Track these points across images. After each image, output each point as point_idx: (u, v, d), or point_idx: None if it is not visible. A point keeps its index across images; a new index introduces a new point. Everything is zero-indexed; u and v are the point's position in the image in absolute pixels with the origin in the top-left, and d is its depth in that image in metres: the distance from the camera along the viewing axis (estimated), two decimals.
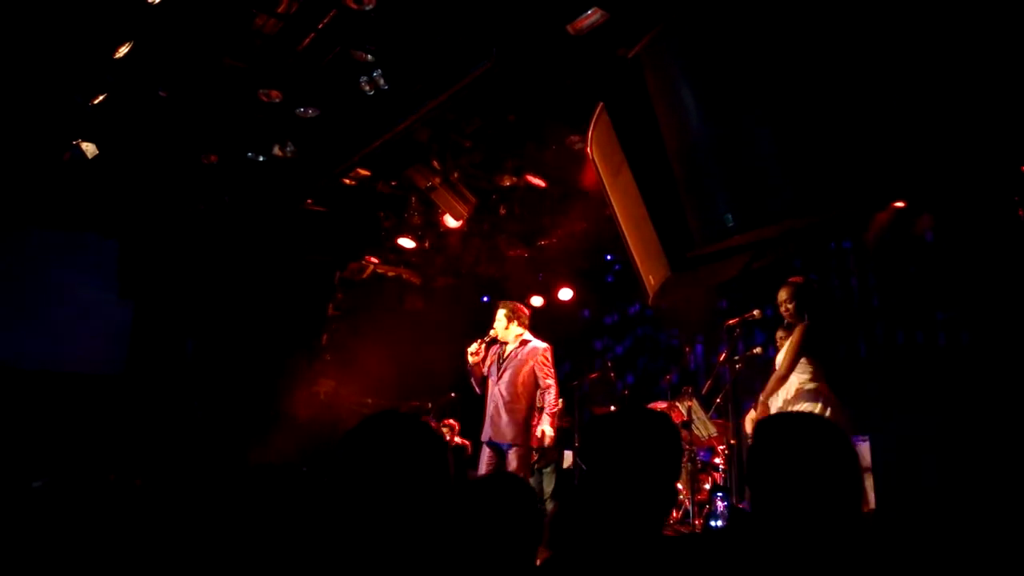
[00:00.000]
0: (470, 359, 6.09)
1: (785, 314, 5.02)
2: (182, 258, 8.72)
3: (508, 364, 6.03)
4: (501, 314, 6.15)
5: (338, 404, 9.25)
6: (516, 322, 6.12)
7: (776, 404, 4.88)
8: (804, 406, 4.74)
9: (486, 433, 6.04)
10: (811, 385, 4.81)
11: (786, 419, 2.04)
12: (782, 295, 5.04)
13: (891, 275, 6.75)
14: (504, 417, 5.92)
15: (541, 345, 6.10)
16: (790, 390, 4.85)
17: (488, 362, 6.16)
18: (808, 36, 3.87)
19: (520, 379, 5.97)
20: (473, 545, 1.94)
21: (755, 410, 5.15)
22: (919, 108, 3.96)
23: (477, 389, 6.25)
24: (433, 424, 8.11)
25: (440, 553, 1.56)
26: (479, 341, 6.09)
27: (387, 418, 1.59)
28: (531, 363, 6.00)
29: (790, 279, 5.09)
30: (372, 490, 1.51)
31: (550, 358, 6.08)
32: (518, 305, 6.27)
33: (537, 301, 9.89)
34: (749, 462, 1.85)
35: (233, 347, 8.96)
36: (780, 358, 5.00)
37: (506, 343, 6.11)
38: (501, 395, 5.97)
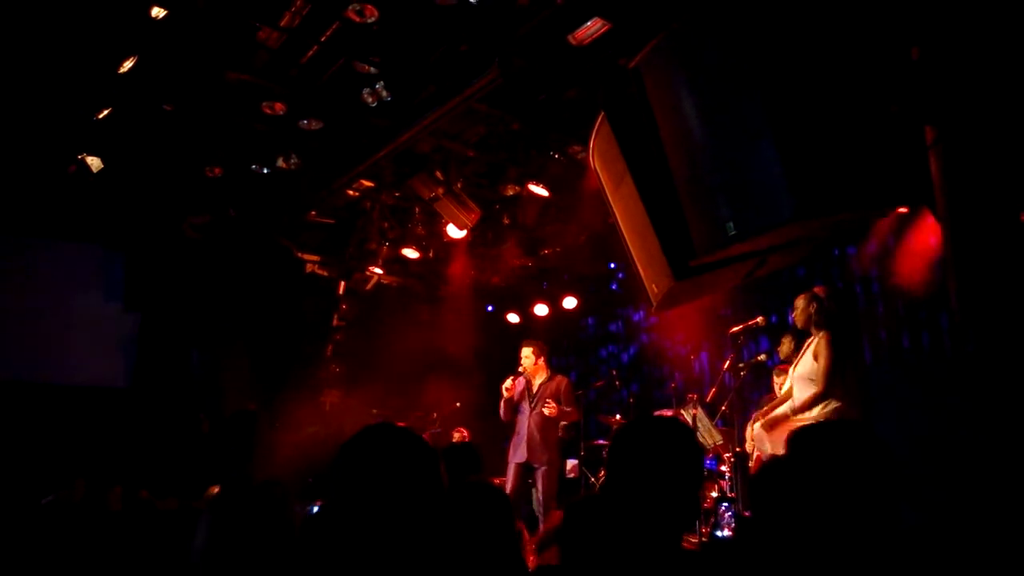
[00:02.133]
0: (505, 393, 6.86)
1: (797, 321, 4.98)
2: (188, 270, 8.75)
3: (540, 396, 6.80)
4: (528, 351, 6.94)
5: (344, 414, 9.26)
6: (542, 358, 6.97)
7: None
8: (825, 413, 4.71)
9: (520, 455, 6.72)
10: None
11: (819, 430, 2.01)
12: (798, 302, 5.01)
13: (895, 280, 6.74)
14: (540, 442, 6.68)
15: (564, 379, 6.99)
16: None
17: (519, 394, 6.91)
18: (809, 44, 3.88)
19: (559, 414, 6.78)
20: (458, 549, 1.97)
21: (759, 425, 5.12)
22: (919, 114, 3.97)
23: (505, 416, 6.98)
24: (427, 435, 8.15)
25: (434, 560, 1.57)
26: (513, 378, 6.92)
27: (380, 431, 1.61)
28: (558, 394, 6.80)
29: (814, 288, 5.07)
30: (366, 501, 1.53)
31: (572, 389, 7.02)
32: (542, 344, 7.10)
33: (542, 310, 9.89)
34: (766, 473, 1.82)
35: (238, 358, 8.98)
36: (800, 370, 4.94)
37: (533, 377, 6.92)
38: (537, 423, 6.73)
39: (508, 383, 6.87)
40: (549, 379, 6.89)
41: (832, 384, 4.72)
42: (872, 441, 1.77)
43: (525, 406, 6.84)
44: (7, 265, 8.50)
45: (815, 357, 4.81)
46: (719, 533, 5.69)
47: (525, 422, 6.77)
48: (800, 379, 4.90)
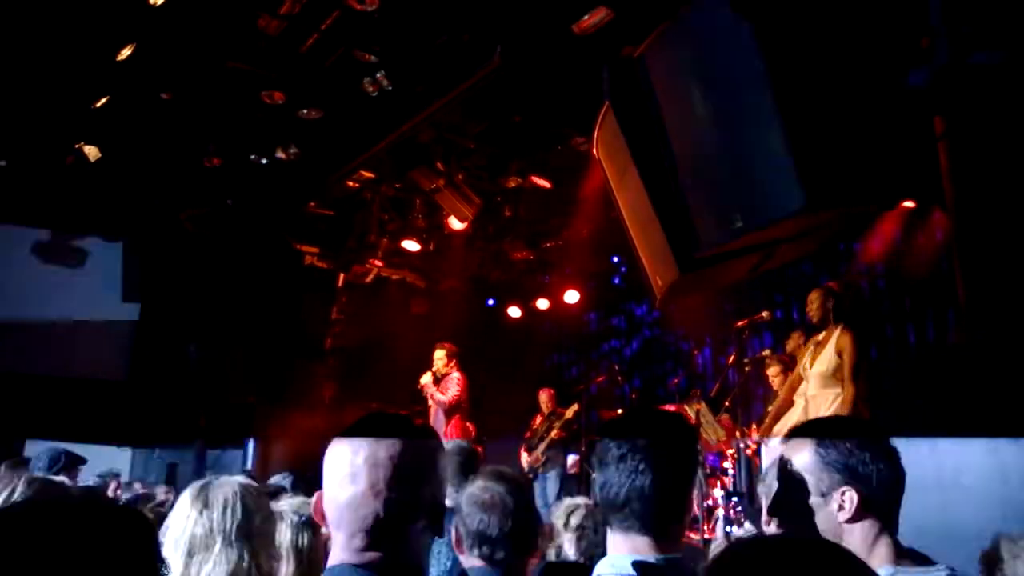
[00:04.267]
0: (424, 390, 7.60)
1: (813, 316, 4.93)
2: (186, 261, 8.69)
3: (438, 392, 7.51)
4: (441, 354, 7.61)
5: (342, 408, 9.21)
6: (454, 360, 7.60)
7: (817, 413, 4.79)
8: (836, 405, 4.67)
9: None
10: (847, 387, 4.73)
11: (826, 424, 1.92)
12: (813, 297, 4.95)
13: (901, 275, 6.69)
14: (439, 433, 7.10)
15: (456, 374, 7.54)
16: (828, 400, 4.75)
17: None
18: (818, 34, 3.82)
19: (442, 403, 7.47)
20: None
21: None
22: (928, 106, 3.91)
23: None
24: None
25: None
26: (430, 374, 7.59)
27: (377, 419, 1.52)
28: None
29: (827, 283, 5.01)
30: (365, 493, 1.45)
31: (454, 381, 7.45)
32: (453, 347, 7.71)
33: (543, 304, 9.83)
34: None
35: (236, 351, 8.93)
36: (810, 367, 4.88)
37: (444, 376, 7.57)
38: (437, 416, 7.42)
39: (424, 378, 7.62)
40: (446, 375, 7.58)
41: (856, 379, 4.68)
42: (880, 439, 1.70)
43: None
44: (3, 256, 8.45)
45: (839, 354, 4.74)
46: (730, 529, 5.61)
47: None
48: (818, 376, 4.81)
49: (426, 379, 7.64)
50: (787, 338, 6.04)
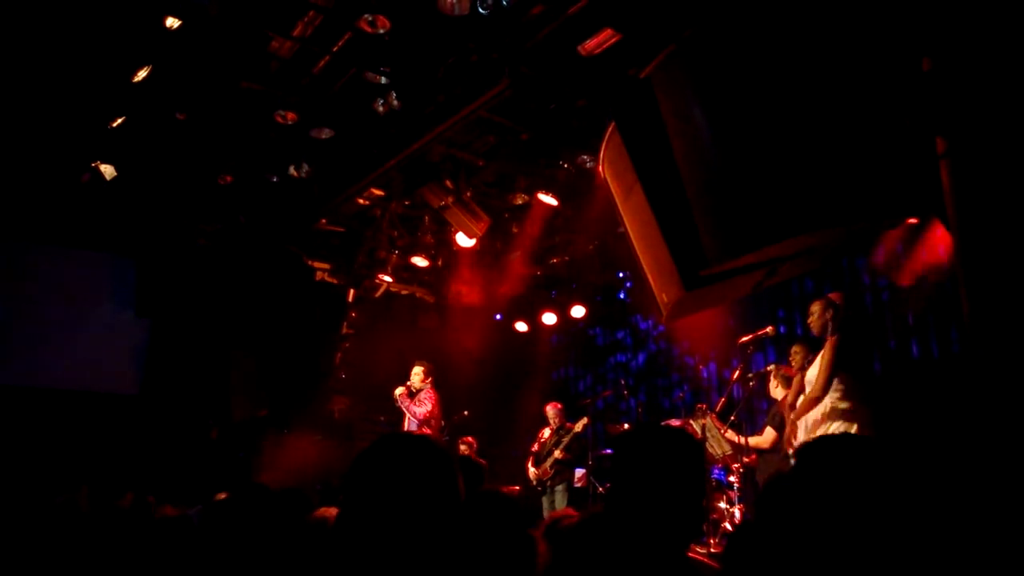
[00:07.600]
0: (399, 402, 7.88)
1: (813, 327, 4.97)
2: (199, 277, 8.79)
3: (413, 406, 7.78)
4: (419, 370, 7.89)
5: (352, 422, 9.26)
6: (431, 378, 7.91)
7: (806, 425, 4.83)
8: (837, 425, 4.68)
9: None
10: (844, 404, 4.71)
11: (828, 443, 1.93)
12: (814, 308, 5.00)
13: (904, 290, 6.72)
14: None
15: (430, 390, 7.85)
16: (823, 409, 4.78)
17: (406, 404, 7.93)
18: (820, 55, 3.89)
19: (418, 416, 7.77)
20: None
21: (768, 432, 5.03)
22: (930, 125, 3.97)
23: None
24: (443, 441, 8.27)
25: (452, 570, 1.56)
26: (404, 388, 7.89)
27: (399, 440, 1.60)
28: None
29: (829, 295, 5.06)
30: (384, 510, 1.51)
31: (429, 396, 7.78)
32: (431, 365, 8.00)
33: (550, 318, 9.89)
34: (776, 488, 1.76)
35: (248, 366, 9.01)
36: (810, 375, 4.93)
37: (417, 390, 7.87)
38: (409, 429, 7.65)
39: (399, 390, 7.90)
40: (420, 391, 7.85)
41: (827, 388, 4.71)
42: (882, 455, 1.73)
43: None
44: (20, 271, 8.56)
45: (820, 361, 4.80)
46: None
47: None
48: (808, 384, 4.88)
49: (400, 391, 7.90)
50: (789, 353, 6.08)
